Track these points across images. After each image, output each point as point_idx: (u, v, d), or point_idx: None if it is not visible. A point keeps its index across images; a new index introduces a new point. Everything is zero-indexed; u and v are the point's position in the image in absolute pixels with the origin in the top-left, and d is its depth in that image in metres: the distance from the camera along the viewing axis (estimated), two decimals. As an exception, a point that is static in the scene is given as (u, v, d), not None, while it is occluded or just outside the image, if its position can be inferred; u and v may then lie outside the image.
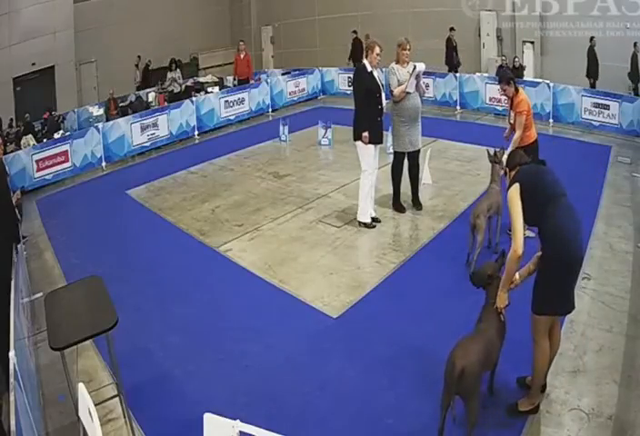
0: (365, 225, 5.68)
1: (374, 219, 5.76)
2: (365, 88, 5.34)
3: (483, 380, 2.89)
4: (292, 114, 11.20)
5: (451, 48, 11.90)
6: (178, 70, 12.98)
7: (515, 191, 2.90)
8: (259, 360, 3.73)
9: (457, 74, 10.79)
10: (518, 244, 2.82)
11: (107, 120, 10.89)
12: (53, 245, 6.03)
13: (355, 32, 13.43)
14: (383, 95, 5.44)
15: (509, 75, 5.15)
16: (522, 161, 3.07)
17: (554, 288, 2.82)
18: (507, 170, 3.11)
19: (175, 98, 11.96)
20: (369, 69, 5.37)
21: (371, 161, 5.50)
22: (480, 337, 2.87)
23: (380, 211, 5.95)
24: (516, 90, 4.91)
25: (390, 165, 5.94)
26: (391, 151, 6.01)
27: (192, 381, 3.56)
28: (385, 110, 5.49)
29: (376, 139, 5.43)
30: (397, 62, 5.60)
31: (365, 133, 5.33)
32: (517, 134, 4.87)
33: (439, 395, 2.81)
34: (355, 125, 5.46)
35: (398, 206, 6.04)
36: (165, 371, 3.70)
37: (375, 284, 4.60)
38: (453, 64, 11.85)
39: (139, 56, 14.76)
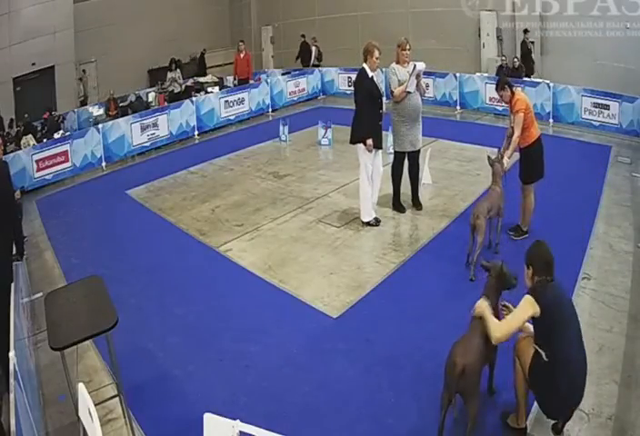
0: (369, 224, 5.69)
1: (375, 219, 5.76)
2: (367, 93, 5.34)
3: (483, 380, 2.89)
4: (292, 114, 11.20)
5: (527, 52, 11.12)
6: (178, 70, 12.98)
7: (528, 305, 2.68)
8: (259, 360, 3.73)
9: (457, 75, 10.76)
10: (499, 338, 2.71)
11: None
12: (53, 245, 6.03)
13: (303, 36, 14.12)
14: (384, 100, 5.45)
15: (503, 80, 5.04)
16: (541, 254, 2.80)
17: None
18: (527, 265, 2.84)
19: (175, 98, 11.96)
20: (370, 74, 5.37)
21: (369, 162, 5.50)
22: (477, 334, 2.87)
23: (380, 211, 5.94)
24: (512, 93, 4.88)
25: (390, 165, 5.94)
26: (391, 151, 6.01)
27: (192, 381, 3.57)
28: (384, 110, 5.50)
29: (377, 144, 5.44)
30: (397, 62, 5.61)
31: (370, 142, 5.33)
32: (516, 134, 4.85)
33: (439, 395, 2.81)
34: (354, 129, 5.46)
35: (398, 206, 6.04)
36: (165, 371, 3.70)
37: (375, 284, 4.60)
38: (531, 69, 11.01)
39: (84, 70, 14.23)
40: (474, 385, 2.72)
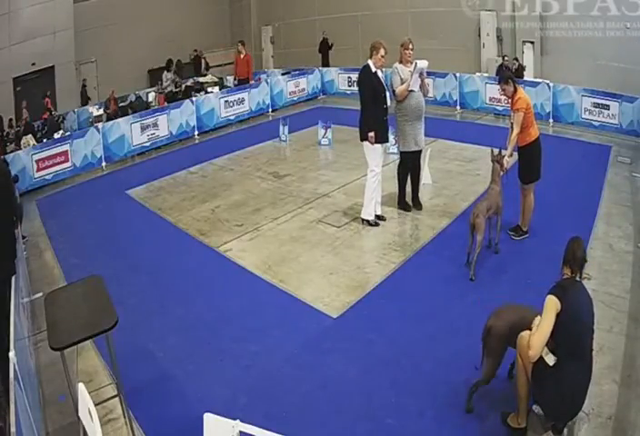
0: (369, 223, 5.69)
1: (379, 217, 5.77)
2: (371, 88, 5.35)
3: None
4: (292, 114, 11.19)
5: None
6: (175, 70, 12.99)
7: (552, 305, 2.60)
8: (259, 360, 3.73)
9: (457, 74, 10.76)
10: (535, 353, 2.58)
11: (108, 119, 10.89)
12: (53, 245, 6.02)
13: (195, 50, 15.58)
14: (387, 95, 5.47)
15: (507, 74, 5.16)
16: (573, 246, 2.83)
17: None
18: (564, 260, 2.85)
19: (172, 98, 11.97)
20: (373, 69, 5.39)
21: (378, 160, 5.51)
22: (515, 310, 3.05)
23: (381, 211, 5.93)
24: (515, 89, 4.91)
25: (389, 165, 5.93)
26: (391, 150, 6.01)
27: (192, 381, 3.57)
28: (389, 105, 5.51)
29: (382, 138, 5.46)
30: (400, 62, 5.62)
31: (371, 134, 5.34)
32: (514, 132, 4.86)
33: (439, 395, 2.81)
34: (361, 125, 5.47)
35: (404, 205, 6.03)
36: (165, 371, 3.70)
37: (376, 284, 4.60)
38: None
39: None
40: (493, 347, 2.95)
